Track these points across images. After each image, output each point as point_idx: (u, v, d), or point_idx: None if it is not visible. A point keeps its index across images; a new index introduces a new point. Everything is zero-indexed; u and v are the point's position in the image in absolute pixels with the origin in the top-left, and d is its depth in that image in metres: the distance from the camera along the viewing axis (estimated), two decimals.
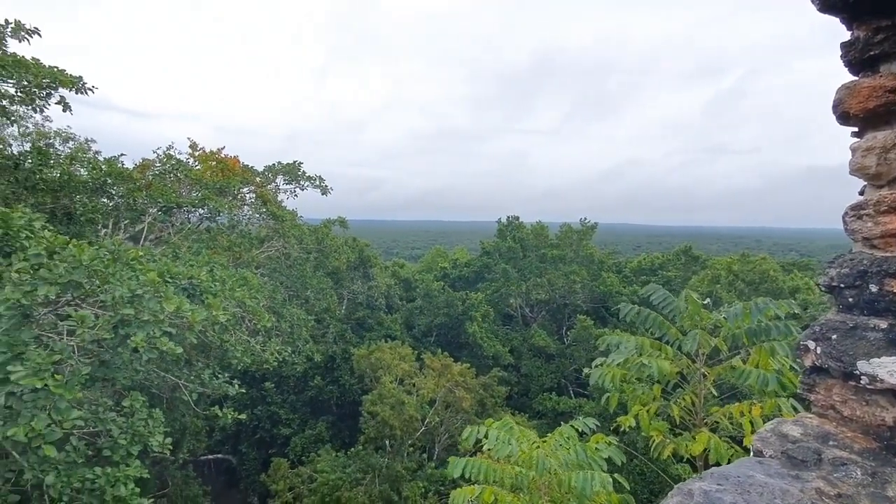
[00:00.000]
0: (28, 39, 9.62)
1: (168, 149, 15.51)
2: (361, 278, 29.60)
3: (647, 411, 5.35)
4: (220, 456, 24.48)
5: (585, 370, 5.80)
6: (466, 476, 4.54)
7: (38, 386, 5.30)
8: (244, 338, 11.30)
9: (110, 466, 7.45)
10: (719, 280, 32.92)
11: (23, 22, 9.51)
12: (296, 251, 19.92)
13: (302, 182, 19.44)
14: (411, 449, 20.01)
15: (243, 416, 11.02)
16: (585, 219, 40.97)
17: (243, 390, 11.69)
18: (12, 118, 10.81)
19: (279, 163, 19.38)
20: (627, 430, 5.31)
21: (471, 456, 5.60)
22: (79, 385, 6.21)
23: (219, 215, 14.54)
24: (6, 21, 9.21)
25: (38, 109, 10.31)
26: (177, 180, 14.10)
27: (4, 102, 10.16)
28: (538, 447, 4.99)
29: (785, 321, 5.98)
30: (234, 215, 15.79)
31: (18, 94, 10.01)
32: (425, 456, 20.48)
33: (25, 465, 6.57)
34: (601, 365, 5.68)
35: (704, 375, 6.04)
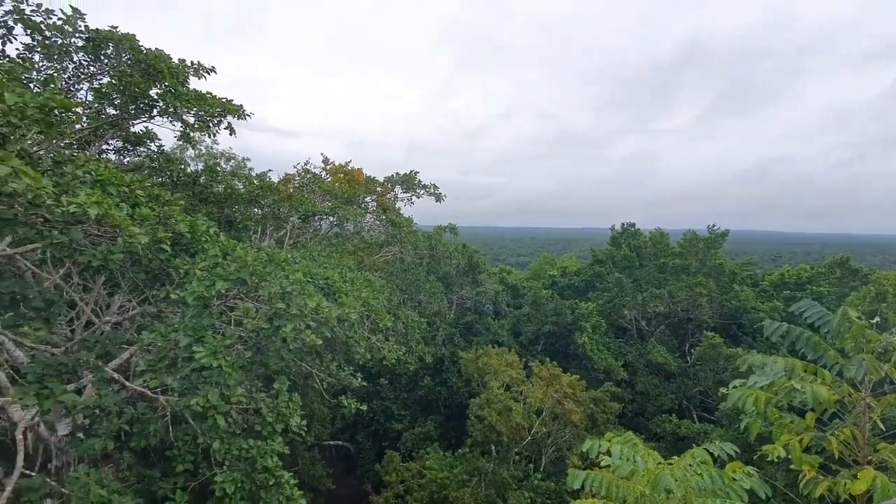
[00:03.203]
0: (206, 77, 11.64)
1: (305, 164, 17.54)
2: (470, 283, 30.20)
3: (800, 441, 4.68)
4: (339, 443, 26.59)
5: (722, 389, 5.29)
6: (586, 489, 4.43)
7: (214, 365, 6.38)
8: (366, 335, 12.25)
9: (260, 440, 8.62)
10: (885, 298, 27.54)
11: (202, 62, 11.53)
12: (410, 256, 21.06)
13: (418, 190, 20.57)
14: (517, 457, 19.84)
15: (364, 407, 11.95)
16: (714, 225, 37.20)
17: (365, 383, 12.69)
18: (192, 143, 13.12)
19: (397, 173, 20.74)
20: (776, 459, 4.72)
21: (583, 470, 5.46)
22: (241, 367, 7.33)
23: (346, 222, 16.05)
24: (191, 63, 11.28)
25: (210, 135, 12.36)
26: (312, 191, 15.89)
27: (187, 130, 12.33)
28: (665, 467, 4.69)
29: None
30: (359, 222, 17.26)
31: (197, 122, 12.11)
32: (531, 466, 20.16)
33: (199, 432, 7.86)
34: (741, 386, 5.12)
35: (870, 406, 5.13)
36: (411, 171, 20.24)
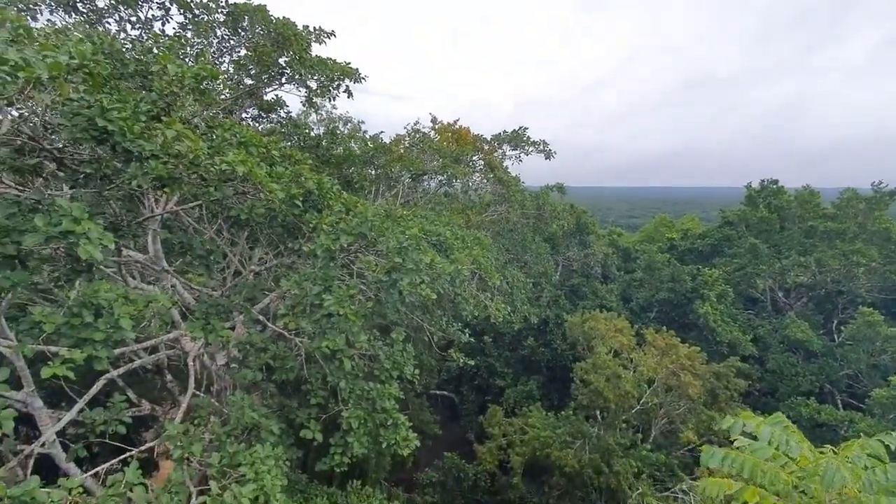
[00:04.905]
0: (326, 42, 12.17)
1: (415, 124, 17.84)
2: (577, 245, 29.04)
3: None
4: (445, 393, 28.08)
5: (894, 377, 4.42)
6: (726, 469, 4.04)
7: (340, 312, 6.95)
8: (474, 292, 12.43)
9: (378, 384, 9.32)
10: None
11: (322, 28, 12.05)
12: (516, 216, 20.72)
13: (526, 147, 19.91)
14: (624, 425, 19.23)
15: (472, 362, 12.31)
16: (880, 182, 31.01)
17: (472, 339, 13.02)
18: (315, 108, 14.02)
19: (505, 131, 20.21)
20: None
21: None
22: (363, 316, 7.89)
23: (455, 181, 16.18)
24: (313, 28, 11.86)
25: (330, 99, 13.04)
26: (422, 151, 16.19)
27: (310, 95, 13.11)
28: (829, 457, 4.09)
29: None
30: (466, 181, 17.30)
31: (319, 88, 12.81)
32: (639, 436, 19.44)
33: (328, 371, 8.71)
34: None
35: None
36: (520, 128, 19.56)
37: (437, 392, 27.36)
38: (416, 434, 9.29)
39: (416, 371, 9.94)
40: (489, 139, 20.44)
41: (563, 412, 19.81)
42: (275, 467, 6.44)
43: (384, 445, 8.71)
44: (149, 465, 12.61)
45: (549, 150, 19.53)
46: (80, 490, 5.37)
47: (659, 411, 19.53)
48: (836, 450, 4.35)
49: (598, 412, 19.17)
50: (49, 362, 5.05)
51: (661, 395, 19.34)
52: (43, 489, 5.01)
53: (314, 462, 9.63)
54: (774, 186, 32.27)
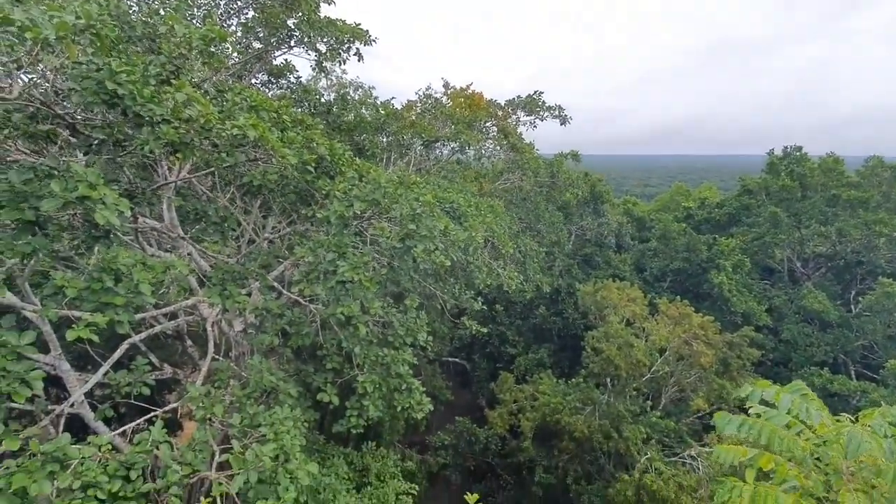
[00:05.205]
0: (334, 2, 11.78)
1: (427, 89, 17.41)
2: (591, 214, 28.66)
3: None
4: (456, 360, 28.53)
5: None
6: (743, 436, 4.03)
7: (355, 279, 6.97)
8: (487, 261, 12.39)
9: (392, 350, 9.44)
10: None
11: None
12: (530, 184, 20.41)
13: (541, 112, 19.39)
14: (635, 393, 19.43)
15: (484, 330, 12.38)
16: None
17: (484, 307, 13.06)
18: (325, 72, 13.72)
19: (519, 96, 19.65)
20: None
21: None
22: (377, 283, 7.92)
23: (468, 147, 15.89)
24: None
25: (340, 63, 12.72)
26: (434, 117, 15.86)
27: (320, 59, 12.80)
28: (849, 425, 4.05)
29: None
30: (479, 148, 16.99)
31: (329, 51, 12.49)
32: (649, 403, 19.66)
33: (343, 338, 8.83)
34: None
35: None
36: (535, 92, 18.98)
37: (450, 359, 27.79)
38: (429, 399, 9.46)
39: (429, 338, 10.04)
40: (503, 104, 19.91)
41: (573, 379, 20.03)
42: (293, 428, 6.62)
43: (398, 409, 8.89)
44: (173, 425, 13.06)
45: (565, 115, 19.00)
46: (109, 447, 5.59)
47: (669, 379, 19.64)
48: (852, 418, 4.31)
49: (608, 380, 19.35)
50: (73, 326, 5.17)
51: (673, 364, 19.41)
52: (74, 446, 5.22)
53: (331, 424, 9.90)
54: (798, 153, 31.20)
